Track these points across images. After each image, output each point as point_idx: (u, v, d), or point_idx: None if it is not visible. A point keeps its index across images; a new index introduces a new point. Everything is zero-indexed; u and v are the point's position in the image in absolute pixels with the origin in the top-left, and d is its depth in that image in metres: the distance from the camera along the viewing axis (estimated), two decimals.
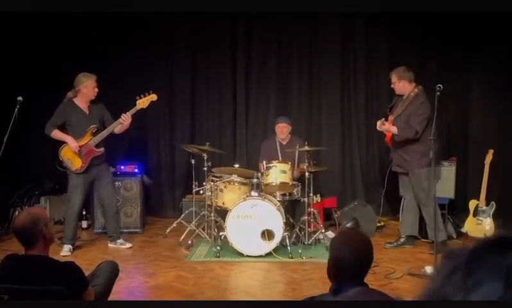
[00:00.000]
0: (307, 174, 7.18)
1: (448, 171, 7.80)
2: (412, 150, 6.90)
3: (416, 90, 6.90)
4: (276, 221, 6.77)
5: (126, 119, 7.05)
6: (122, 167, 8.37)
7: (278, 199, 7.21)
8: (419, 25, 8.67)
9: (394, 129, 6.90)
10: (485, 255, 0.72)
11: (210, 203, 7.33)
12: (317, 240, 7.34)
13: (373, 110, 9.16)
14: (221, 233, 7.05)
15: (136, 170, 8.39)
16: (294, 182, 7.28)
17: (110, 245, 7.46)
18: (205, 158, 7.50)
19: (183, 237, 7.46)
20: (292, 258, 6.73)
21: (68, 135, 7.02)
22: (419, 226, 7.37)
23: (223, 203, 7.19)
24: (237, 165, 7.49)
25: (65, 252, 7.01)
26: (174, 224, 7.94)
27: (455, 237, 7.54)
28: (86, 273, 3.83)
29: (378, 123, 6.99)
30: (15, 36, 8.48)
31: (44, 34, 8.73)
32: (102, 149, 7.17)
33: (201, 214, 7.69)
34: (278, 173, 7.10)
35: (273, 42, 9.17)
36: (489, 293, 0.68)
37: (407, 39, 8.90)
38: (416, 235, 7.37)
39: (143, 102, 7.19)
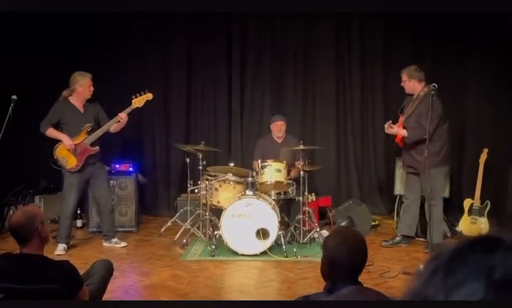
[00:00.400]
0: (301, 173, 7.18)
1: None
2: (423, 150, 6.61)
3: (425, 89, 6.71)
4: (271, 220, 6.77)
5: (123, 118, 7.04)
6: (117, 166, 8.36)
7: (273, 198, 7.20)
8: (414, 22, 8.67)
9: (403, 132, 6.77)
10: (467, 255, 0.72)
11: (205, 202, 7.32)
12: (312, 239, 7.34)
13: (367, 107, 9.18)
14: (215, 232, 7.04)
15: (131, 169, 8.38)
16: (289, 181, 7.29)
17: (104, 244, 7.44)
18: (200, 157, 7.49)
19: (177, 235, 7.46)
20: (287, 257, 6.73)
21: (64, 134, 7.01)
22: (417, 227, 7.36)
23: (218, 202, 7.19)
24: (232, 164, 7.49)
25: (59, 251, 6.99)
26: (169, 223, 7.93)
27: (450, 236, 7.56)
28: (81, 272, 3.83)
29: (386, 126, 6.87)
30: (9, 35, 8.45)
31: (39, 32, 8.71)
32: (97, 148, 7.15)
33: (196, 213, 7.68)
34: (273, 172, 7.10)
35: (268, 38, 9.16)
36: (471, 293, 0.68)
37: (401, 35, 8.92)
38: (413, 236, 7.35)
39: (138, 102, 7.18)
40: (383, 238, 7.60)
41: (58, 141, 7.02)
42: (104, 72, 8.37)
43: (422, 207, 7.14)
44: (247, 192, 6.99)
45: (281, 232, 6.86)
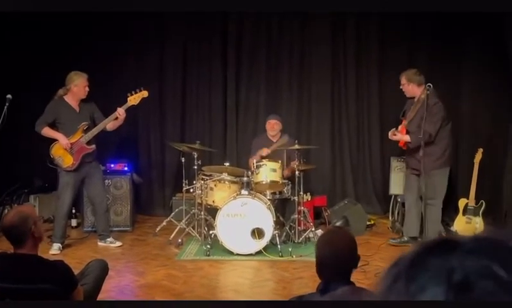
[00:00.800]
0: (297, 172, 7.18)
1: None
2: (427, 152, 6.66)
3: (428, 92, 6.64)
4: (266, 220, 6.77)
5: (121, 114, 7.02)
6: (112, 165, 8.33)
7: (268, 197, 7.20)
8: (409, 21, 8.68)
9: (406, 138, 6.79)
10: (426, 260, 0.72)
11: (200, 202, 7.31)
12: (307, 239, 7.34)
13: (363, 106, 9.18)
14: (211, 232, 7.03)
15: (126, 168, 8.36)
16: (284, 181, 7.29)
17: (99, 243, 7.43)
18: (195, 156, 7.48)
19: (173, 235, 7.45)
20: (282, 256, 6.73)
21: (59, 133, 7.00)
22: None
23: (213, 202, 7.18)
24: (227, 164, 7.49)
25: (54, 251, 6.98)
26: (164, 223, 7.92)
27: (444, 235, 7.55)
28: (76, 272, 3.82)
29: (390, 133, 6.89)
30: (4, 34, 8.42)
31: (34, 31, 8.68)
32: (93, 146, 7.14)
33: (191, 213, 7.67)
34: (268, 172, 7.10)
35: (263, 36, 9.14)
36: (433, 298, 0.68)
37: (397, 35, 8.93)
38: (417, 237, 7.33)
39: (134, 99, 7.17)
40: (378, 238, 7.61)
41: (53, 140, 7.00)
42: (100, 71, 8.36)
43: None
44: (243, 191, 6.99)
45: (276, 232, 6.86)
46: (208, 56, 9.20)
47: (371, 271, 6.11)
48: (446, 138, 6.85)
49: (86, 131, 7.07)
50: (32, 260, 3.43)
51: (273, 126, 7.92)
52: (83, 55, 8.47)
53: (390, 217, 8.45)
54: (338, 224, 7.69)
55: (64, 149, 6.98)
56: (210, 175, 7.36)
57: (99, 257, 5.15)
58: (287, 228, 7.33)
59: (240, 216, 6.81)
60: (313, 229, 7.36)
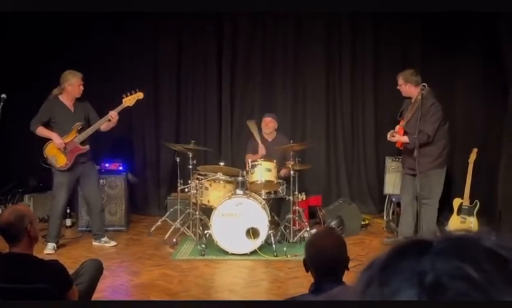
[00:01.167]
0: (292, 172, 7.19)
1: None
2: (424, 153, 6.67)
3: (423, 92, 6.66)
4: (261, 219, 6.77)
5: (114, 117, 7.02)
6: (107, 165, 8.32)
7: (263, 197, 7.21)
8: (404, 21, 8.68)
9: (405, 139, 6.77)
10: (398, 263, 0.72)
11: (195, 201, 7.31)
12: (302, 239, 7.33)
13: (357, 106, 9.19)
14: (206, 232, 7.03)
15: (120, 168, 8.35)
16: (279, 180, 7.30)
17: (94, 243, 7.42)
18: (190, 156, 7.49)
19: (167, 235, 7.45)
20: (277, 256, 6.74)
21: (54, 132, 6.99)
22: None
23: (208, 201, 7.18)
24: (222, 163, 7.50)
25: (49, 250, 6.97)
26: (159, 223, 7.91)
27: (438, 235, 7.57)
28: (70, 272, 3.82)
29: (388, 135, 6.88)
30: None
31: (29, 31, 8.66)
32: (87, 147, 7.13)
33: (186, 212, 7.67)
34: (263, 171, 7.10)
35: (258, 37, 9.14)
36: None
37: (392, 34, 8.94)
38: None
39: (129, 100, 7.18)
40: (373, 237, 7.63)
41: (47, 140, 6.99)
42: (95, 72, 8.36)
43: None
44: (238, 191, 6.99)
45: (271, 231, 6.86)
46: (202, 56, 9.19)
47: None
48: (444, 138, 6.86)
49: (80, 131, 7.06)
50: (27, 259, 3.42)
51: (267, 124, 7.93)
52: (78, 56, 8.43)
53: (385, 217, 8.46)
54: (333, 224, 7.69)
55: (58, 149, 6.96)
56: (205, 175, 7.36)
57: (93, 257, 5.15)
58: (282, 227, 7.35)
59: (235, 216, 6.81)
60: (308, 229, 7.36)
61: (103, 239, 7.41)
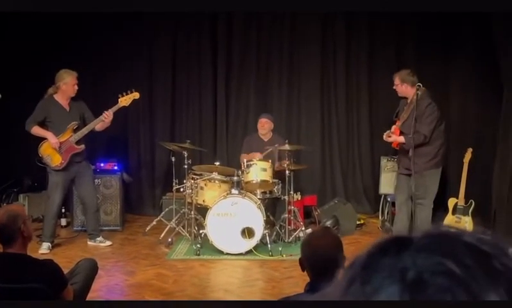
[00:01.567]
0: (287, 172, 7.19)
1: None
2: (420, 153, 6.64)
3: (418, 92, 6.62)
4: (256, 219, 6.77)
5: (107, 117, 7.02)
6: (102, 165, 8.30)
7: (259, 197, 7.21)
8: (399, 20, 8.70)
9: (401, 139, 6.73)
10: (379, 261, 0.72)
11: (190, 201, 7.31)
12: (298, 238, 7.34)
13: (352, 105, 9.20)
14: (201, 231, 7.03)
15: (116, 167, 8.33)
16: (275, 180, 7.30)
17: (89, 243, 7.42)
18: (185, 155, 7.48)
19: (163, 234, 7.44)
20: (272, 256, 6.74)
21: (49, 131, 6.98)
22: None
23: (203, 201, 7.18)
24: (217, 163, 7.49)
25: (43, 250, 6.95)
26: (154, 222, 7.90)
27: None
28: (65, 271, 3.81)
29: (384, 135, 6.85)
30: None
31: (25, 30, 8.64)
32: (82, 146, 7.12)
33: (181, 212, 7.66)
34: (258, 171, 7.10)
35: (253, 36, 9.14)
36: (389, 298, 0.68)
37: (387, 33, 8.96)
38: None
39: (125, 100, 7.17)
40: (368, 237, 7.64)
41: (42, 139, 6.98)
42: (91, 72, 8.35)
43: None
44: (233, 191, 6.99)
45: (266, 231, 6.87)
46: (198, 56, 9.18)
47: None
48: (440, 138, 6.85)
49: (75, 130, 7.05)
50: (21, 259, 3.42)
51: (263, 125, 7.94)
52: (74, 55, 8.42)
53: (380, 217, 8.47)
54: (328, 223, 7.70)
55: (53, 148, 6.95)
56: (200, 174, 7.36)
57: (88, 256, 5.13)
58: (277, 227, 7.35)
59: (230, 215, 6.81)
60: (303, 228, 7.37)
61: (98, 239, 7.40)
